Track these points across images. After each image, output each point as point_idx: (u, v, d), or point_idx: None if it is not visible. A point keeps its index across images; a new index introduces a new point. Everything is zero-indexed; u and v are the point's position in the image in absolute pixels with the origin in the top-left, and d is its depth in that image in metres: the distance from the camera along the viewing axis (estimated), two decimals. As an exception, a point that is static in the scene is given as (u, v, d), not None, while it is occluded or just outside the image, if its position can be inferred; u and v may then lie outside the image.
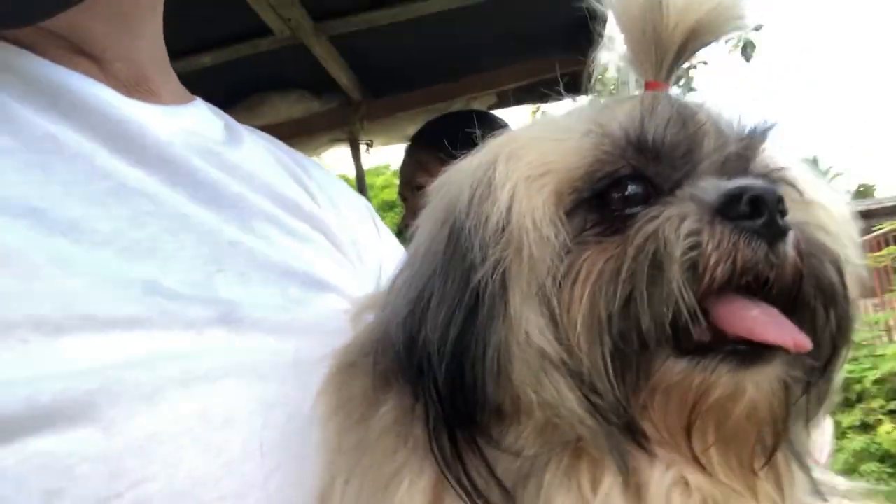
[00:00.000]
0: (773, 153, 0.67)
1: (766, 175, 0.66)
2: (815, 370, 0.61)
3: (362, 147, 3.11)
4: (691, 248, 0.55)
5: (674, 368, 0.57)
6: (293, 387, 0.69)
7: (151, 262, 0.68)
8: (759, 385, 0.58)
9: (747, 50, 11.05)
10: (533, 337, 0.56)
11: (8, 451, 0.50)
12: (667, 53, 0.63)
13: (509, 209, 0.59)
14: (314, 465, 0.67)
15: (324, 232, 0.93)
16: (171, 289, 0.67)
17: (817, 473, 0.66)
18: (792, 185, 0.66)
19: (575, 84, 3.09)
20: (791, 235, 0.58)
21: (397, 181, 2.75)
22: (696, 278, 0.55)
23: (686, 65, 0.66)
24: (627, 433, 0.57)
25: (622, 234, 0.58)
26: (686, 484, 0.60)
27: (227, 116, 0.98)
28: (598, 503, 0.58)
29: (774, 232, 0.56)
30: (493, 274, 0.58)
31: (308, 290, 0.80)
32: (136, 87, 0.83)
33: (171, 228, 0.72)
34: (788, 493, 0.63)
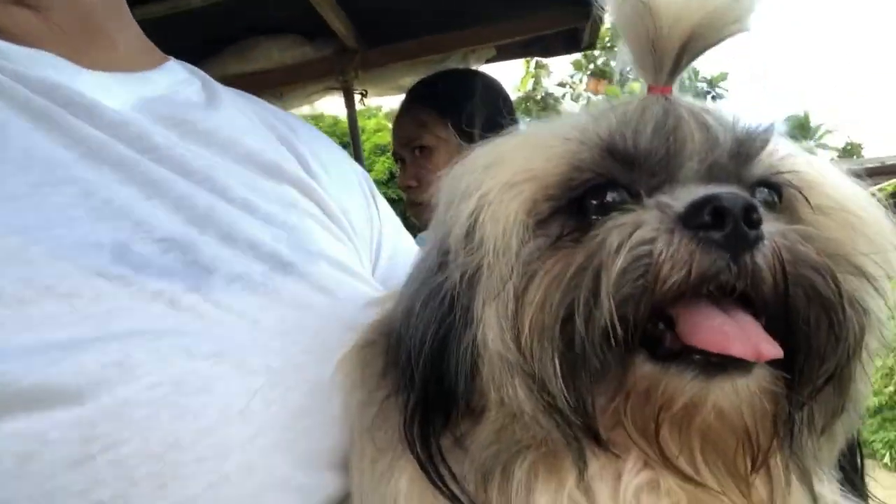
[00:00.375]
0: (779, 155, 0.65)
1: (765, 180, 0.64)
2: (810, 382, 0.59)
3: (356, 97, 3.04)
4: (640, 256, 0.55)
5: (642, 373, 0.58)
6: (277, 355, 0.69)
7: (125, 222, 0.66)
8: (725, 395, 0.57)
9: None
10: (491, 340, 0.58)
11: None
12: (664, 59, 0.62)
13: (479, 217, 0.60)
14: (305, 431, 0.68)
15: (311, 197, 0.89)
16: (142, 254, 0.65)
17: (822, 488, 0.65)
18: (797, 188, 0.64)
19: (575, 40, 3.04)
20: (766, 245, 0.56)
21: (390, 124, 2.69)
22: (648, 287, 0.55)
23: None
24: (586, 434, 0.58)
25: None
26: (657, 486, 0.61)
27: (205, 76, 0.94)
28: (565, 499, 0.60)
29: (738, 242, 0.55)
30: (462, 278, 0.60)
31: (292, 258, 0.77)
32: (89, 44, 0.79)
33: (142, 194, 0.70)
34: (784, 499, 0.63)
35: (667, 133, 0.61)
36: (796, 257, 0.57)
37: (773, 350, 0.55)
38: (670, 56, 0.62)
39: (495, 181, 0.62)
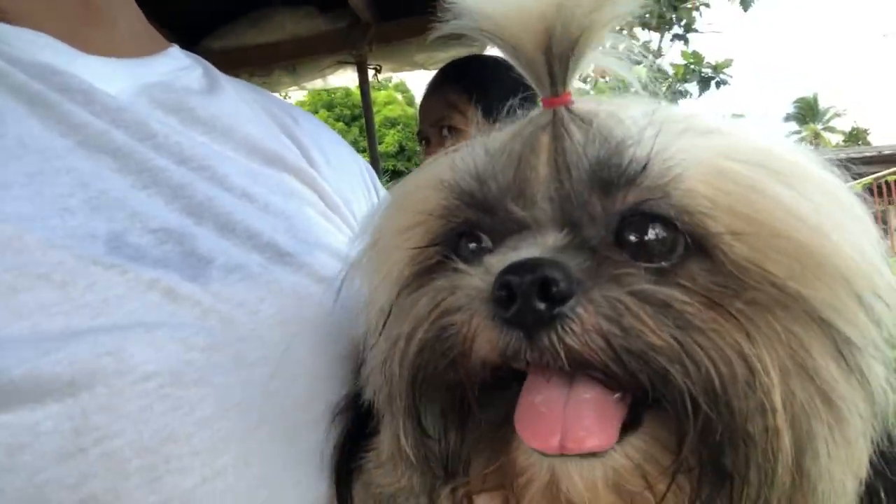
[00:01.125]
0: (670, 173, 0.49)
1: (639, 211, 0.50)
2: (693, 463, 0.48)
3: (370, 72, 3.01)
4: (445, 327, 0.51)
5: (511, 447, 0.53)
6: (275, 345, 0.67)
7: (120, 212, 0.65)
8: (576, 477, 0.48)
9: (746, 1, 11.47)
10: (373, 374, 0.60)
11: None
12: (538, 67, 0.55)
13: (372, 266, 0.62)
14: (305, 424, 0.67)
15: (312, 186, 0.88)
16: (137, 245, 0.64)
17: None
18: (676, 218, 0.49)
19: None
20: (576, 321, 0.46)
21: (400, 96, 2.65)
22: (450, 360, 0.52)
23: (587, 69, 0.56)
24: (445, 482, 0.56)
25: None
26: None
27: (206, 64, 0.93)
28: None
29: (529, 321, 0.47)
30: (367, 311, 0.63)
31: (290, 249, 0.76)
32: (89, 25, 0.78)
33: (139, 183, 0.69)
34: None
35: (515, 172, 0.54)
36: (629, 335, 0.45)
37: (578, 445, 0.47)
38: (542, 63, 0.54)
39: (392, 226, 0.61)
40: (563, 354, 0.46)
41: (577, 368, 0.47)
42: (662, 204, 0.49)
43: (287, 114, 0.97)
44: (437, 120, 2.36)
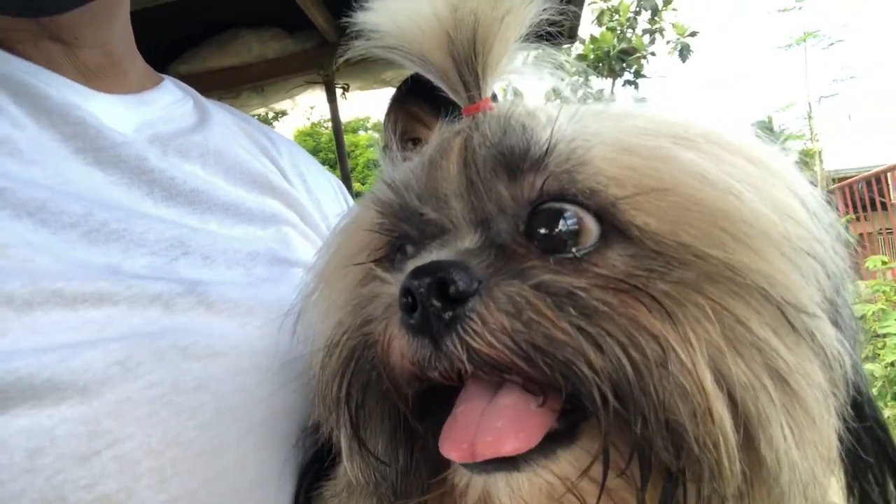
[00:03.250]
0: (576, 156, 0.48)
1: (552, 197, 0.48)
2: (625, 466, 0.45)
3: (338, 90, 3.03)
4: (367, 335, 0.51)
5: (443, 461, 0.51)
6: (263, 354, 0.71)
7: (116, 245, 0.70)
8: (508, 489, 0.46)
9: (684, 52, 13.38)
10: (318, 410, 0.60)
11: None
12: (449, 76, 0.55)
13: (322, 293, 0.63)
14: (293, 429, 0.71)
15: (293, 207, 0.93)
16: (132, 272, 0.69)
17: None
18: (583, 202, 0.47)
19: (571, 31, 3.05)
20: (476, 322, 0.44)
21: (378, 135, 2.67)
22: (373, 369, 0.51)
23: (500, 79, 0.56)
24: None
25: None
26: None
27: (195, 94, 0.99)
28: None
29: (432, 326, 0.45)
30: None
31: (273, 267, 0.81)
32: (102, 72, 0.84)
33: (133, 215, 0.74)
34: None
35: (427, 176, 0.54)
36: (531, 329, 0.43)
37: (491, 449, 0.44)
38: (452, 70, 0.54)
39: (329, 267, 0.63)
40: (465, 358, 0.44)
41: (488, 372, 0.45)
42: (568, 185, 0.47)
43: (264, 135, 1.03)
44: (402, 133, 2.37)
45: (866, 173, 8.79)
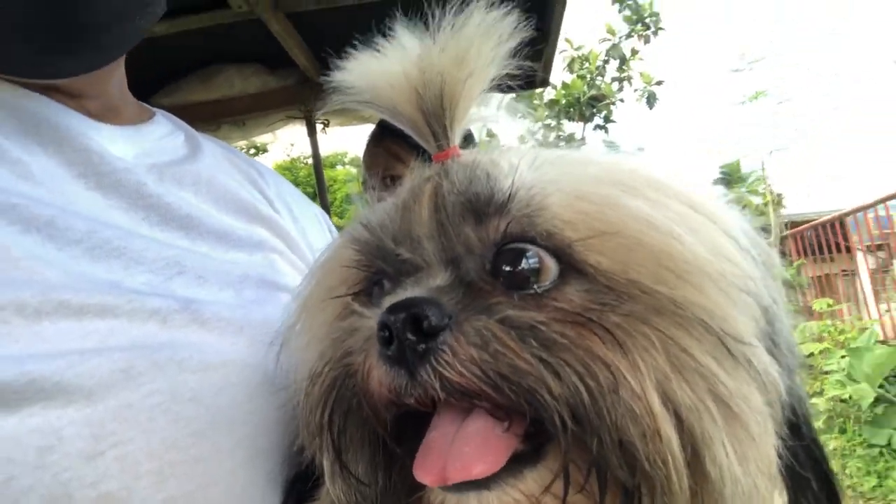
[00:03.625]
0: (535, 202, 0.53)
1: (514, 238, 0.53)
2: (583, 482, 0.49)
3: (318, 126, 3.09)
4: (347, 366, 0.55)
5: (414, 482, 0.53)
6: (252, 370, 0.75)
7: (117, 262, 0.74)
8: None
9: (650, 100, 14.35)
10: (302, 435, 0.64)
11: (5, 417, 0.57)
12: (421, 127, 0.60)
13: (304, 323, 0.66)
14: (279, 442, 0.75)
15: (281, 236, 0.98)
16: (132, 288, 0.73)
17: None
18: (543, 243, 0.52)
19: (533, 78, 3.15)
20: (448, 354, 0.48)
21: (355, 170, 2.68)
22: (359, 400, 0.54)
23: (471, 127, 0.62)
24: None
25: None
26: None
27: (186, 126, 1.03)
28: None
29: (407, 357, 0.50)
30: None
31: (261, 290, 0.85)
32: (102, 115, 0.89)
33: (133, 235, 0.78)
34: None
35: (401, 219, 0.58)
36: (497, 360, 0.48)
37: (460, 474, 0.47)
38: (422, 122, 0.59)
39: (310, 299, 0.66)
40: (438, 386, 0.48)
41: (459, 399, 0.49)
42: (528, 228, 0.52)
43: (252, 167, 1.07)
44: (383, 170, 2.39)
45: (823, 219, 9.10)
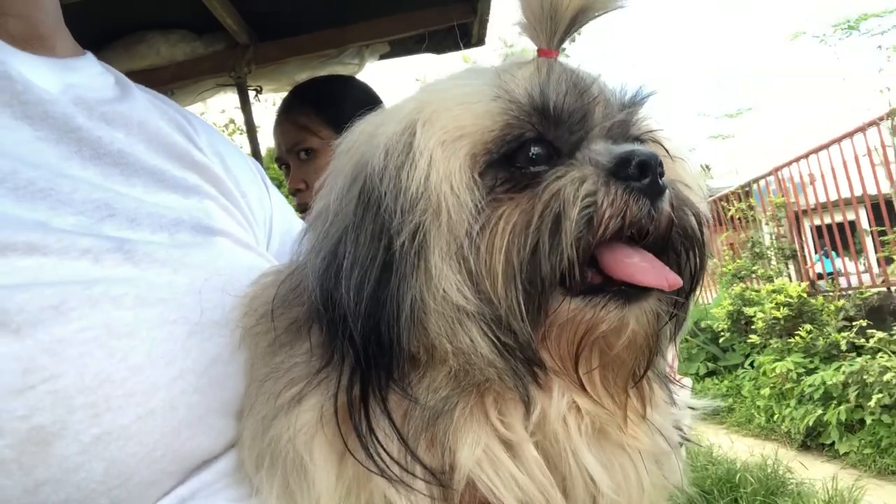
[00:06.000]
0: (647, 118, 0.77)
1: (642, 138, 0.76)
2: (679, 303, 0.73)
3: (251, 93, 3.01)
4: (588, 206, 0.65)
5: (570, 306, 0.66)
6: (191, 308, 0.76)
7: (42, 203, 0.72)
8: (638, 319, 0.69)
9: None
10: (450, 293, 0.62)
11: None
12: (559, 26, 0.71)
13: (427, 176, 0.64)
14: (218, 378, 0.76)
15: (213, 182, 0.98)
16: (61, 228, 0.72)
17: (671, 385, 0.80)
18: (661, 145, 0.77)
19: (466, 37, 3.15)
20: (667, 193, 0.68)
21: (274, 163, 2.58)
22: (592, 231, 0.65)
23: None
24: (529, 368, 0.65)
25: (531, 189, 0.66)
26: (578, 408, 0.69)
27: (115, 71, 1.01)
28: (505, 431, 0.66)
29: (655, 191, 0.67)
30: (411, 236, 0.63)
31: (197, 235, 0.85)
32: (26, 42, 0.85)
33: (61, 174, 0.76)
34: (651, 404, 0.75)
35: (587, 97, 0.71)
36: (679, 202, 0.71)
37: (678, 280, 0.67)
38: (565, 24, 0.71)
39: (430, 140, 0.65)
40: (663, 216, 0.68)
41: (656, 230, 0.68)
42: (652, 137, 0.77)
43: (182, 116, 1.06)
44: (293, 145, 2.39)
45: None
